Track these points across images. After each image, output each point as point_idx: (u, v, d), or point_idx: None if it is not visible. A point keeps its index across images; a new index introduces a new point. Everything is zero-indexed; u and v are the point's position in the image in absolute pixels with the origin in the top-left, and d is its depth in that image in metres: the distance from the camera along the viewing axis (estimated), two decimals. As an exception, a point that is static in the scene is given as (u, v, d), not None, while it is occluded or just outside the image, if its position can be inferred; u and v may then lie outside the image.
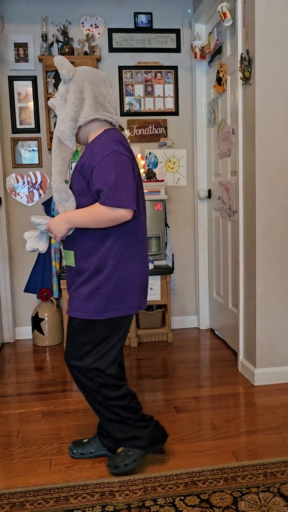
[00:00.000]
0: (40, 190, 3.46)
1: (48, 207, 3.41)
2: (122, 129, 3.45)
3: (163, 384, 2.62)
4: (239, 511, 1.53)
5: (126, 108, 3.47)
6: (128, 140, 3.46)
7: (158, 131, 3.50)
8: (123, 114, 3.47)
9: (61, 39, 3.34)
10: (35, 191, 3.45)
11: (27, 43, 3.34)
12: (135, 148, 3.43)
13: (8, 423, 2.23)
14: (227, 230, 3.06)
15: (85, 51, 3.35)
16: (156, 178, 3.33)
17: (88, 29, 3.39)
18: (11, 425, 2.20)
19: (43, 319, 3.34)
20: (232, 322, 3.00)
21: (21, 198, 3.44)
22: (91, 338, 1.69)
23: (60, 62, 1.65)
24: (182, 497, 1.62)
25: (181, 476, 1.74)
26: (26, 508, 1.59)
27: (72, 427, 2.16)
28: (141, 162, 3.29)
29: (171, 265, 3.40)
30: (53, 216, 3.31)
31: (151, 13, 3.43)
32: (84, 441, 1.94)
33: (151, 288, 3.18)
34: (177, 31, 3.46)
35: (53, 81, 3.34)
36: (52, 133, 3.36)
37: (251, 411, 2.26)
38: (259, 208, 2.45)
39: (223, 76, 2.94)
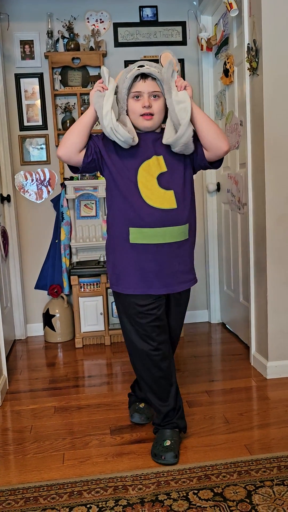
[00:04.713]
0: (48, 187, 3.46)
1: (57, 203, 3.41)
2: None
3: (175, 379, 2.61)
4: (253, 505, 1.52)
5: (133, 102, 3.45)
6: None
7: (165, 125, 3.48)
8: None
9: (66, 35, 3.33)
10: (44, 188, 3.46)
11: (32, 40, 3.34)
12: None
13: (21, 419, 2.24)
14: (236, 223, 3.04)
15: (91, 46, 3.34)
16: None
17: (94, 24, 3.37)
18: (24, 421, 2.21)
19: (54, 316, 3.35)
20: (244, 315, 2.98)
21: (30, 195, 3.45)
22: None
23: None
24: (196, 491, 1.61)
25: (194, 470, 1.73)
26: (40, 503, 1.59)
27: (85, 422, 2.16)
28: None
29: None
30: (62, 214, 3.33)
31: (156, 6, 3.40)
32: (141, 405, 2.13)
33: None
34: (182, 24, 3.43)
35: (60, 77, 3.33)
36: (59, 129, 3.36)
37: (264, 404, 2.25)
38: (269, 200, 2.43)
39: (230, 67, 2.91)
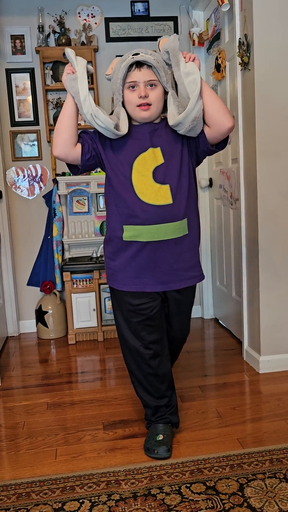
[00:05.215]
0: (40, 183, 3.44)
1: (49, 199, 3.40)
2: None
3: (168, 374, 2.61)
4: (245, 498, 1.53)
5: (125, 98, 3.44)
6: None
7: (157, 121, 3.47)
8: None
9: (57, 30, 3.31)
10: (36, 184, 3.44)
11: (23, 35, 3.31)
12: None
13: (13, 415, 2.23)
14: (229, 218, 3.04)
15: (82, 41, 3.32)
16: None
17: (85, 19, 3.36)
18: (17, 417, 2.21)
19: (46, 312, 3.34)
20: (236, 310, 2.99)
21: (21, 191, 3.43)
22: None
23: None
24: (188, 485, 1.61)
25: (187, 464, 1.74)
26: (32, 498, 1.59)
27: (77, 418, 2.16)
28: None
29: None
30: (54, 210, 3.32)
31: (147, 1, 3.39)
32: None
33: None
34: (174, 19, 3.42)
35: (51, 72, 3.31)
36: (51, 125, 3.34)
37: (257, 398, 2.26)
38: (261, 195, 2.43)
39: (222, 62, 2.90)
